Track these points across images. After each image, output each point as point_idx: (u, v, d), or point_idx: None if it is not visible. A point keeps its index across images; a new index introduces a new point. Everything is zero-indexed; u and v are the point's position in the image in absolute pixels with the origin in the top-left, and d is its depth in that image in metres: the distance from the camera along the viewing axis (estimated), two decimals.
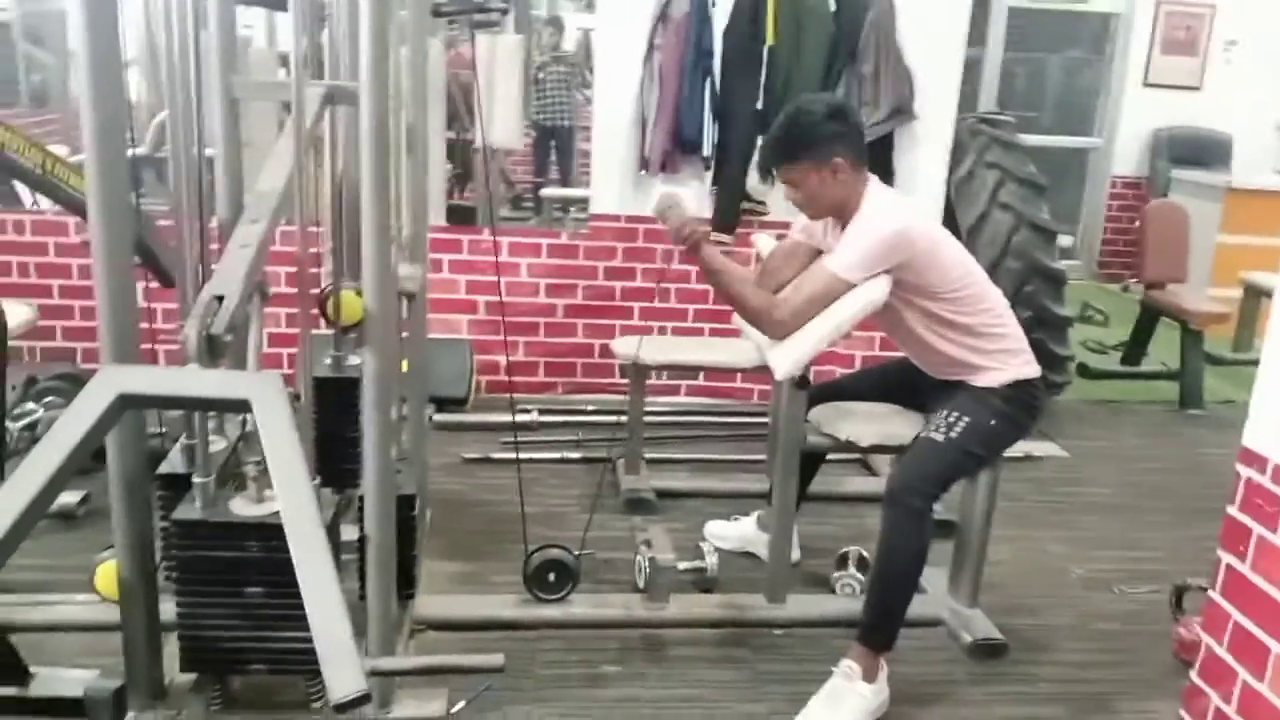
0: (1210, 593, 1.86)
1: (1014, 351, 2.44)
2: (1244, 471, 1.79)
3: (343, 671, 1.39)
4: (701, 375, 4.36)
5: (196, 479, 1.92)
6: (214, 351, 1.66)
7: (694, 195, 4.18)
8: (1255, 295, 5.35)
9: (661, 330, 4.26)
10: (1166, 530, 3.40)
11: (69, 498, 2.96)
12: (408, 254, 2.64)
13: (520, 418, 3.94)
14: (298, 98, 1.86)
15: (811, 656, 2.48)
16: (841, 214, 2.44)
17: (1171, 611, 2.73)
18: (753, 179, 4.10)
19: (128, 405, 1.63)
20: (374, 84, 1.85)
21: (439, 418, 3.92)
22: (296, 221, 1.94)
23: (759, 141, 4.04)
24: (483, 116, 4.04)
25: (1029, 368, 2.45)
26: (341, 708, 1.37)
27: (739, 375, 4.18)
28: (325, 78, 2.41)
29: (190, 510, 1.91)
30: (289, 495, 1.51)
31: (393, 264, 2.14)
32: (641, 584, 2.66)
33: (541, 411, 3.99)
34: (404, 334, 2.71)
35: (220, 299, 1.71)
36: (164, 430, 2.38)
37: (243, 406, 1.60)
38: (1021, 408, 2.43)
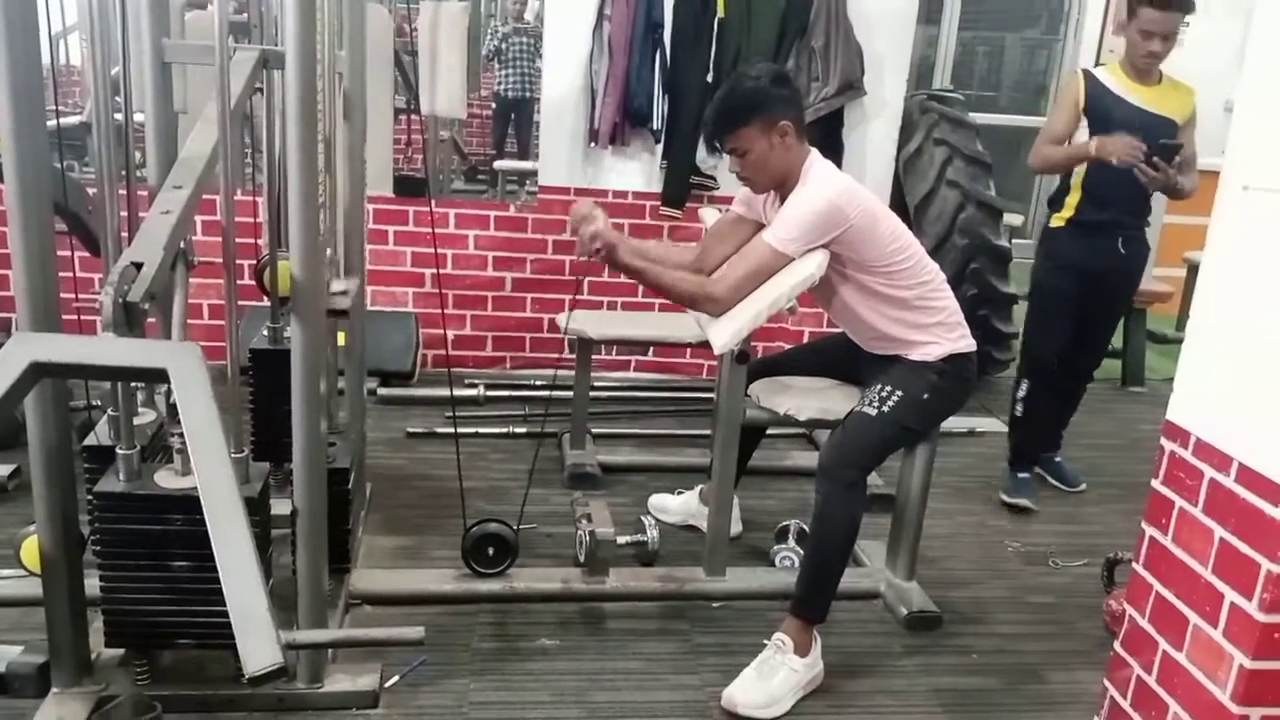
0: (1134, 565, 1.88)
1: (949, 325, 2.45)
2: (1167, 445, 1.80)
3: (257, 644, 1.38)
4: (651, 350, 4.35)
5: (119, 451, 1.89)
6: (131, 320, 1.63)
7: (643, 168, 4.17)
8: (1198, 274, 5.42)
9: (611, 305, 4.25)
10: (1104, 505, 3.46)
11: None
12: (342, 245, 2.58)
13: (467, 392, 3.92)
14: (221, 61, 1.82)
15: (749, 629, 2.50)
16: (783, 186, 2.44)
17: (1103, 584, 2.78)
18: (702, 153, 4.09)
19: (41, 374, 1.60)
20: (300, 47, 1.81)
21: (384, 391, 3.89)
22: (221, 189, 1.90)
23: None
24: (424, 84, 3.99)
25: (964, 342, 2.46)
26: (256, 680, 1.36)
27: (688, 350, 4.18)
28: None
29: (112, 483, 1.88)
30: (206, 466, 1.49)
31: (322, 238, 2.10)
32: (582, 558, 2.65)
33: (488, 386, 3.97)
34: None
35: (139, 266, 1.68)
36: (97, 403, 2.33)
37: (160, 376, 1.57)
38: (955, 382, 2.44)
